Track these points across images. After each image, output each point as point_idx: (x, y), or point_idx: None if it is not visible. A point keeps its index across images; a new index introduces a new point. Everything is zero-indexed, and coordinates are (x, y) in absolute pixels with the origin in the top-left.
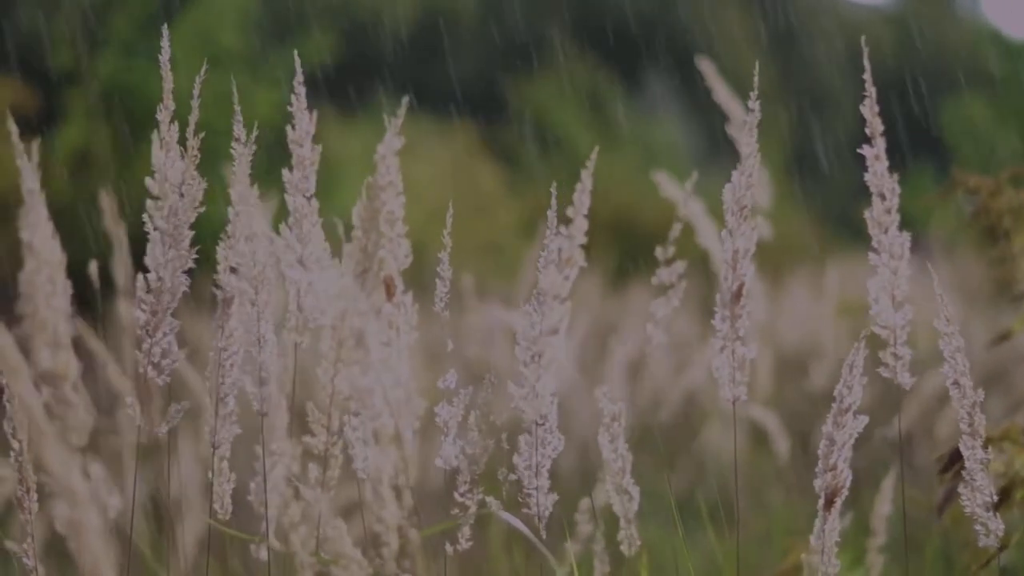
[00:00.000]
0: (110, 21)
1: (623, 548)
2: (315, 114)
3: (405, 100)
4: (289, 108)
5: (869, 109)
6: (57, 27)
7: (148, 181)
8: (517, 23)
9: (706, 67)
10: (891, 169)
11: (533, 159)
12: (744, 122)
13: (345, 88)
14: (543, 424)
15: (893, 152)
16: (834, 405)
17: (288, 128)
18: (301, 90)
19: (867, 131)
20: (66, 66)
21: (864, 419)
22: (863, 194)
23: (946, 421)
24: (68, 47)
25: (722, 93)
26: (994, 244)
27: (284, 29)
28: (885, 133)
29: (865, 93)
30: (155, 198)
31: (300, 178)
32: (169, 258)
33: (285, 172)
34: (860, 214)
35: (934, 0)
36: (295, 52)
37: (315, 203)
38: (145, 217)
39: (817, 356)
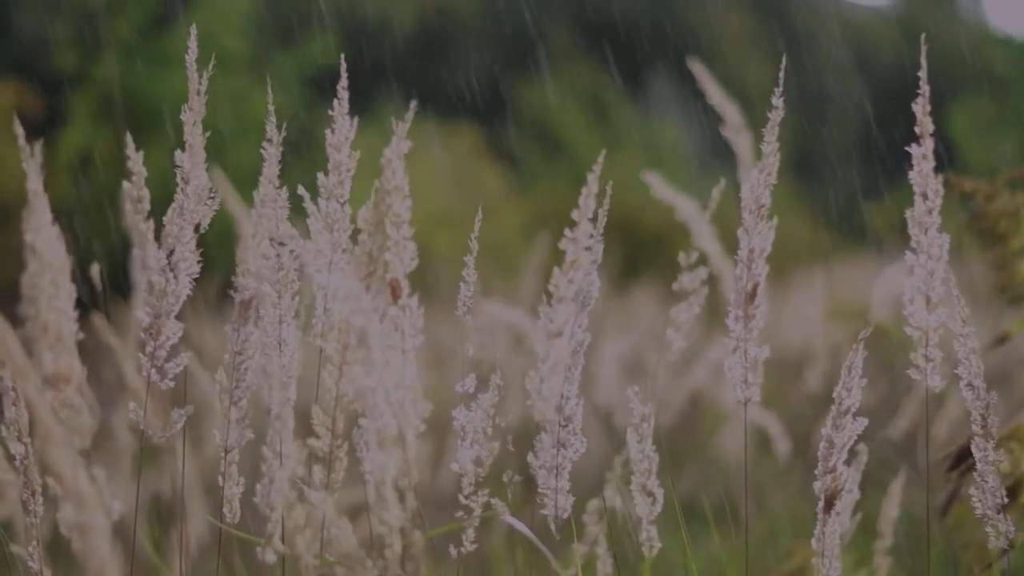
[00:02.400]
0: (112, 23)
1: (643, 550)
2: (356, 120)
3: (413, 105)
4: (329, 112)
5: (921, 108)
6: (60, 30)
7: (125, 185)
8: (520, 25)
9: (698, 69)
10: (896, 171)
11: (536, 161)
12: (754, 127)
13: (348, 90)
14: (567, 425)
15: (896, 154)
16: (833, 407)
17: (328, 132)
18: (344, 95)
19: (916, 129)
20: (69, 69)
21: (864, 421)
22: (865, 197)
23: (947, 421)
24: (71, 50)
25: (715, 95)
26: (992, 247)
27: (287, 31)
28: (887, 135)
29: (919, 91)
30: (134, 200)
31: (335, 183)
32: (174, 260)
33: (320, 176)
34: (862, 216)
35: (937, 2)
36: (342, 56)
37: (348, 209)
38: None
39: (817, 358)
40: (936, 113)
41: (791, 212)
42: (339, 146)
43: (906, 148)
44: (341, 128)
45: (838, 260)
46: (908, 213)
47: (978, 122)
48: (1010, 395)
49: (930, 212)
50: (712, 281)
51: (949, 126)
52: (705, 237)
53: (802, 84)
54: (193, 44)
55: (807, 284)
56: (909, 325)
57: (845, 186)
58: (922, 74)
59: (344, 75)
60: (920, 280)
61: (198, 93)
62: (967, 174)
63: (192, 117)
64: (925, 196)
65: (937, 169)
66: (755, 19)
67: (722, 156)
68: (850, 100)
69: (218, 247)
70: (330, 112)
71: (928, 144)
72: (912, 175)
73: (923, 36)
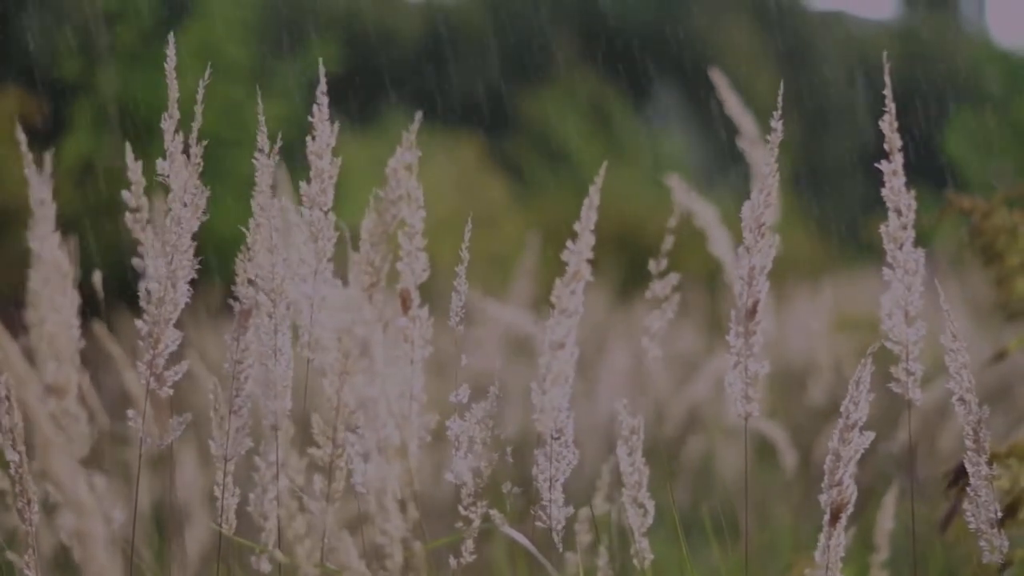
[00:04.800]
0: (115, 31)
1: (635, 561)
2: (336, 126)
3: (419, 116)
4: (310, 119)
5: (888, 124)
6: (63, 37)
7: (124, 193)
8: (525, 36)
9: (718, 79)
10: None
11: (539, 171)
12: (766, 140)
13: (349, 99)
14: (559, 438)
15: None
16: (840, 421)
17: (308, 139)
18: (323, 100)
19: (885, 146)
20: (72, 76)
21: (870, 435)
22: (870, 209)
23: (949, 435)
24: (74, 57)
25: (734, 106)
26: (991, 263)
27: (289, 40)
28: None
29: (884, 108)
30: (133, 210)
31: (318, 191)
32: (172, 268)
33: (303, 185)
34: (867, 229)
35: (940, 16)
36: (320, 61)
37: (332, 217)
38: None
39: (819, 371)
40: (938, 127)
41: (794, 225)
42: (320, 153)
43: (875, 164)
44: (322, 135)
45: (841, 272)
46: (882, 228)
47: (978, 136)
48: (1011, 411)
49: (904, 227)
50: (723, 290)
51: (949, 139)
52: (723, 246)
53: (806, 97)
54: (171, 52)
55: (810, 297)
56: (889, 340)
57: (848, 198)
58: (887, 92)
59: (323, 80)
60: (897, 295)
61: (186, 101)
62: (966, 188)
63: (171, 124)
64: (899, 212)
65: (940, 182)
66: (759, 32)
67: (725, 168)
68: (854, 113)
69: (219, 256)
70: (310, 119)
71: (897, 160)
72: (884, 191)
73: (884, 55)
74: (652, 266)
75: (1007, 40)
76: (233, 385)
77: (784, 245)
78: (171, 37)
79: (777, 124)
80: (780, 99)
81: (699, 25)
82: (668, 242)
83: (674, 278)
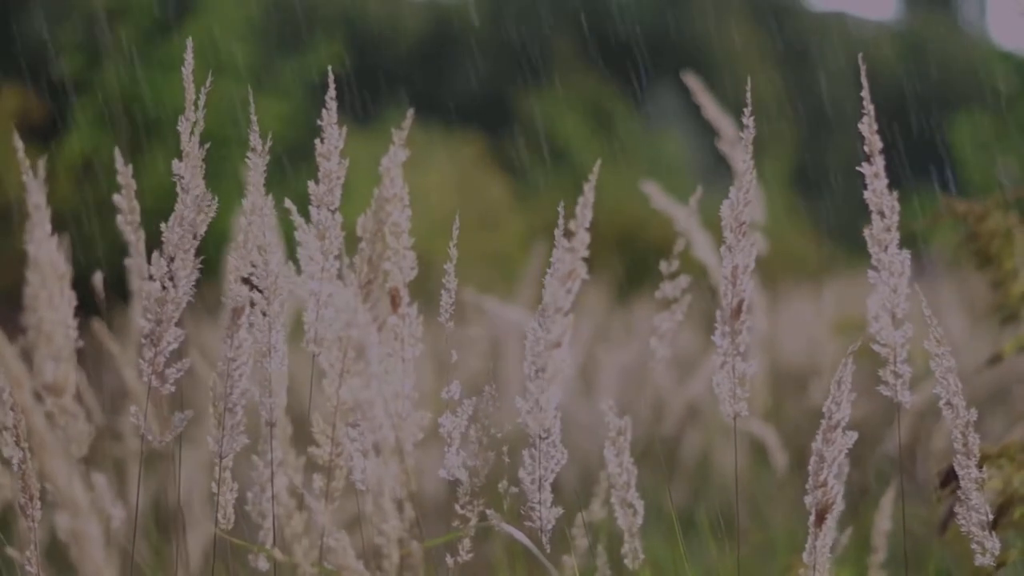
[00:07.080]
0: (116, 30)
1: (627, 562)
2: (344, 130)
3: (410, 113)
4: (319, 123)
5: (868, 127)
6: (64, 35)
7: (116, 197)
8: (526, 36)
9: (693, 83)
10: (896, 186)
11: (538, 171)
12: (740, 138)
13: (351, 98)
14: (547, 438)
15: (898, 169)
16: (823, 421)
17: (317, 142)
18: (332, 105)
19: (866, 149)
20: (73, 74)
21: (853, 435)
22: (867, 210)
23: (945, 436)
24: (75, 55)
25: (711, 109)
26: (985, 267)
27: (290, 39)
28: (891, 149)
29: (864, 111)
30: (124, 212)
31: (326, 191)
32: (175, 268)
33: (311, 184)
34: (862, 230)
35: (940, 16)
36: (329, 67)
37: (339, 217)
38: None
39: (816, 371)
40: (938, 127)
41: (793, 225)
42: (328, 155)
43: (857, 168)
44: (330, 137)
45: (841, 274)
46: (866, 231)
47: (979, 137)
48: (1008, 413)
49: (888, 229)
50: (711, 292)
51: (952, 140)
52: (706, 249)
53: (805, 97)
54: (189, 56)
55: (808, 297)
56: (876, 343)
57: (847, 199)
58: (865, 94)
59: (332, 86)
60: (883, 297)
61: (195, 103)
62: (970, 189)
63: (188, 127)
64: (882, 214)
65: (941, 183)
66: (759, 32)
67: (725, 168)
68: (853, 113)
69: (220, 254)
70: (319, 122)
71: (879, 162)
72: (867, 194)
73: (860, 56)
74: (663, 267)
75: (1008, 42)
76: (227, 383)
77: (782, 246)
78: (189, 43)
79: (749, 121)
80: (749, 94)
81: (699, 25)
82: (680, 244)
83: (684, 280)
